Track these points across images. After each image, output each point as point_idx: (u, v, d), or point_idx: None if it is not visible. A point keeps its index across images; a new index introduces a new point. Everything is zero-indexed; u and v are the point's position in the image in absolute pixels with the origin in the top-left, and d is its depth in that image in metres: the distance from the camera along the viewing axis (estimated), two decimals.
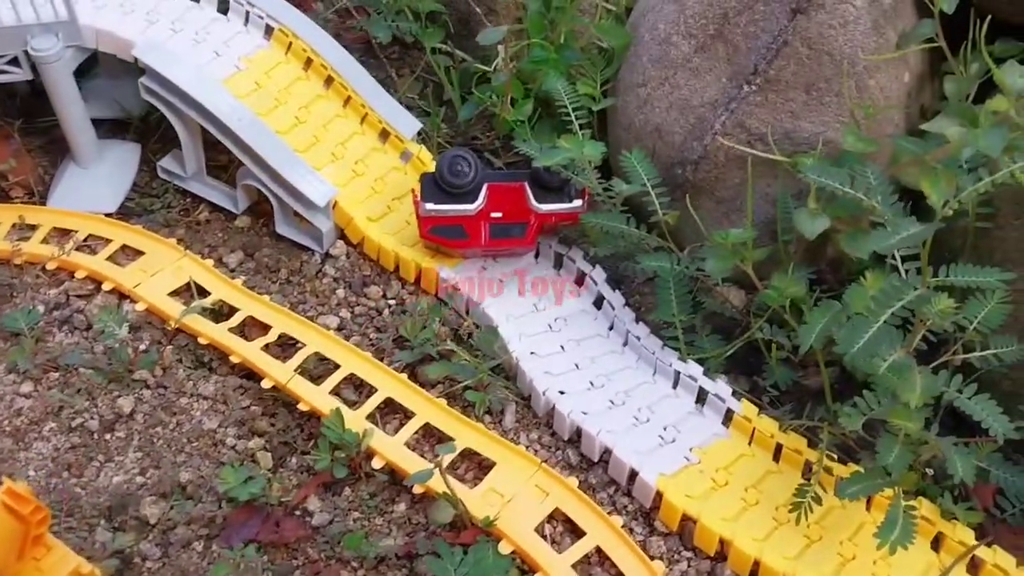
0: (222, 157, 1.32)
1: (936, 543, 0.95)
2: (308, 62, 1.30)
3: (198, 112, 1.19)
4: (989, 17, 1.06)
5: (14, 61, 1.20)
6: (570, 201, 1.17)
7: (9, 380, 1.11)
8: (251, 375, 1.12)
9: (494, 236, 1.16)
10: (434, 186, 1.15)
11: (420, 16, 1.44)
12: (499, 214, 1.17)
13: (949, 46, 1.11)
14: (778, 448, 1.03)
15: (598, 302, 1.19)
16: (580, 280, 1.21)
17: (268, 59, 1.28)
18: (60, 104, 1.23)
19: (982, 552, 0.92)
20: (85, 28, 1.20)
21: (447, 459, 0.97)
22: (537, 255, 1.24)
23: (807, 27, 1.10)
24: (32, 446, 1.05)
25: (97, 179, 1.30)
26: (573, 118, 1.20)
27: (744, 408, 1.05)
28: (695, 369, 1.08)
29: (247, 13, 1.30)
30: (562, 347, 1.13)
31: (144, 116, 1.39)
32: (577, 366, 1.11)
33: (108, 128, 1.39)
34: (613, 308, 1.16)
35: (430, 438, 1.06)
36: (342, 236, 1.27)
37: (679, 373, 1.08)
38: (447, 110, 1.44)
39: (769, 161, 1.12)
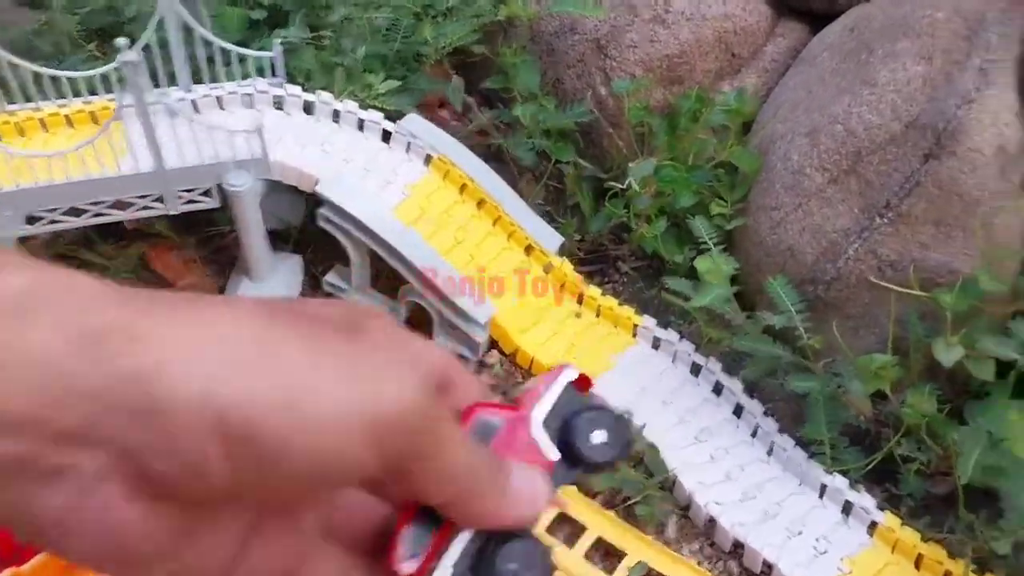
0: (380, 265, 1.44)
1: None
2: (463, 187, 1.42)
3: (375, 241, 1.31)
4: None
5: (206, 192, 1.33)
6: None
7: None
8: None
9: None
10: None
11: (551, 133, 1.56)
12: None
13: None
14: (919, 557, 1.14)
15: (737, 411, 1.30)
16: (718, 390, 1.32)
17: (428, 186, 1.40)
18: (244, 229, 1.35)
19: None
20: (272, 163, 1.32)
21: None
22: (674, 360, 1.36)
23: (938, 170, 1.21)
24: None
25: (268, 293, 1.42)
26: (711, 246, 1.31)
27: (888, 519, 1.16)
28: (841, 482, 1.19)
29: (408, 143, 1.42)
30: (711, 456, 1.24)
31: (302, 227, 1.52)
32: (728, 476, 1.22)
33: (269, 239, 1.51)
34: (755, 416, 1.27)
35: (598, 548, 1.17)
36: (494, 345, 1.39)
37: (825, 485, 1.19)
38: (575, 218, 1.56)
39: (898, 286, 1.23)
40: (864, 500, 1.17)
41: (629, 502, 1.19)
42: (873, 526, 1.16)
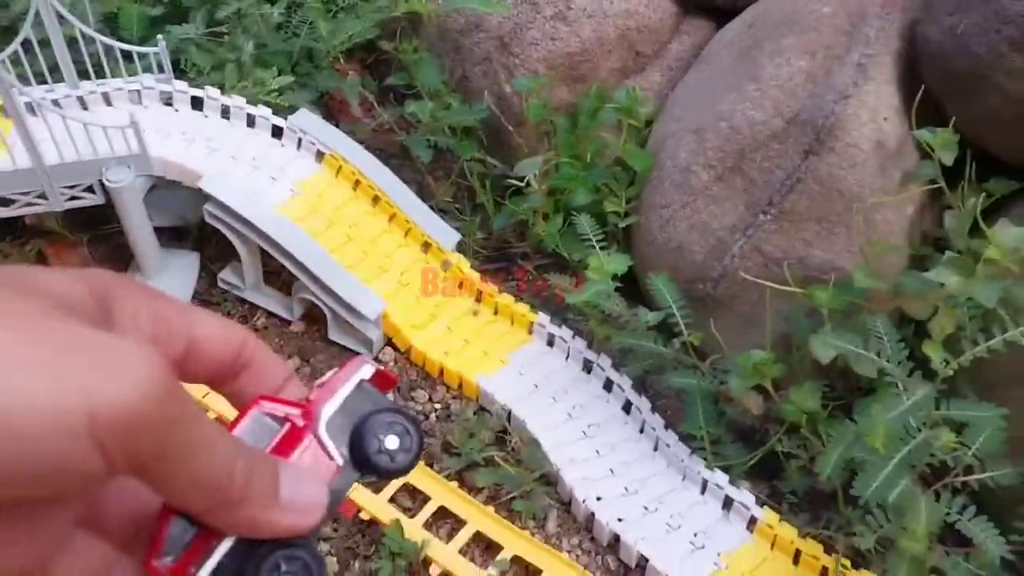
0: (274, 263, 1.43)
1: None
2: (356, 183, 1.41)
3: (260, 237, 1.29)
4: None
5: (89, 188, 1.31)
6: None
7: None
8: None
9: None
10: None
11: (456, 130, 1.55)
12: None
13: (948, 180, 1.22)
14: (796, 553, 1.14)
15: (626, 406, 1.30)
16: (608, 386, 1.32)
17: (320, 182, 1.39)
18: (129, 225, 1.34)
19: None
20: (154, 159, 1.30)
21: (500, 572, 1.07)
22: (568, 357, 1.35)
23: (819, 167, 1.21)
24: None
25: (162, 289, 1.40)
26: (595, 246, 1.30)
27: (767, 516, 1.16)
28: (721, 478, 1.18)
29: (299, 139, 1.41)
30: (597, 452, 1.24)
31: (201, 224, 1.50)
32: (612, 471, 1.22)
33: (168, 236, 1.49)
34: (641, 412, 1.27)
35: (479, 542, 1.16)
36: (390, 342, 1.38)
37: (706, 481, 1.19)
38: (480, 216, 1.55)
39: (784, 283, 1.23)
40: (744, 496, 1.17)
41: (510, 495, 1.19)
42: (753, 522, 1.16)
